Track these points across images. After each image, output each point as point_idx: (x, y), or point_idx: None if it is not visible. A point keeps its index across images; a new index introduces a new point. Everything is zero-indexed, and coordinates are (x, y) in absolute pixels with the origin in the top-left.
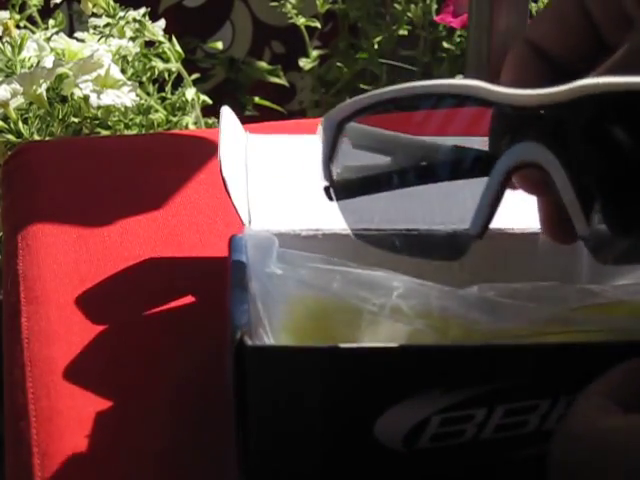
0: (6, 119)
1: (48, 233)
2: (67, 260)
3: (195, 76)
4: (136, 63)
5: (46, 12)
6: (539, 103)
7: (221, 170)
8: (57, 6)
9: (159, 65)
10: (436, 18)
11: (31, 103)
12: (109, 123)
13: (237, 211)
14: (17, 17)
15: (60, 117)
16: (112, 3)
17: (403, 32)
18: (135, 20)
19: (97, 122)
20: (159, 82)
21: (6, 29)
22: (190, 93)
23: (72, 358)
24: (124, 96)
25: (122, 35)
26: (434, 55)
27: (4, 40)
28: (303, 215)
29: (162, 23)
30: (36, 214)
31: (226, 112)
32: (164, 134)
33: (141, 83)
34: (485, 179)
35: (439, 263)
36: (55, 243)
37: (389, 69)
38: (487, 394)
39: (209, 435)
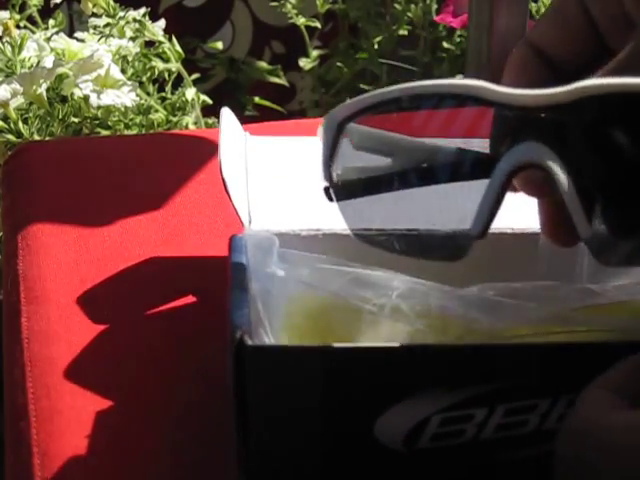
0: (6, 119)
1: (48, 233)
2: (67, 260)
3: (195, 76)
4: (136, 63)
5: (46, 12)
6: (541, 104)
7: (221, 171)
8: (57, 6)
9: (159, 65)
10: (436, 18)
11: (31, 103)
12: (109, 123)
13: (237, 212)
14: (17, 17)
15: (60, 117)
16: (112, 3)
17: (403, 32)
18: (135, 20)
19: (97, 122)
20: (159, 82)
21: (6, 29)
22: (190, 93)
23: (72, 358)
24: (124, 96)
25: (122, 35)
26: (434, 55)
27: (4, 40)
28: (303, 215)
29: (162, 23)
30: (36, 214)
31: (226, 113)
32: (164, 134)
33: (141, 83)
34: (486, 181)
35: (439, 263)
36: (55, 243)
37: (389, 69)
38: (487, 394)
39: (209, 435)
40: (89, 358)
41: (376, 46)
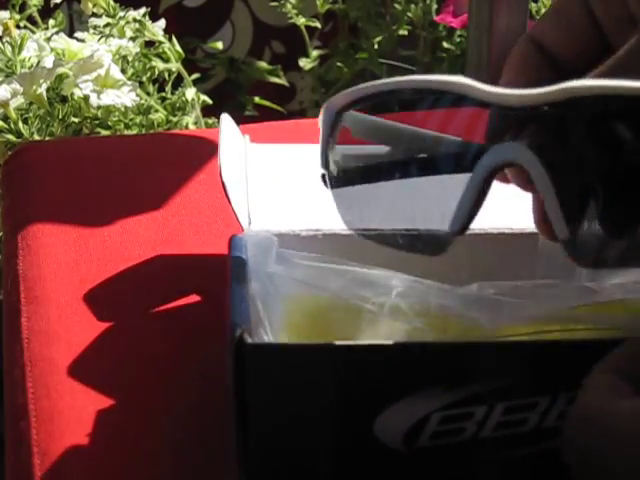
0: (6, 119)
1: (48, 233)
2: (67, 260)
3: (195, 76)
4: (136, 63)
5: (46, 12)
6: (525, 104)
7: (221, 175)
8: (57, 6)
9: (159, 65)
10: (436, 18)
11: (31, 103)
12: (109, 123)
13: (236, 216)
14: (17, 17)
15: (60, 117)
16: (112, 3)
17: (403, 32)
18: (135, 20)
19: (97, 122)
20: (159, 82)
21: (6, 29)
22: (190, 93)
23: (72, 358)
24: (124, 96)
25: (122, 35)
26: (434, 55)
27: (4, 40)
28: (302, 217)
29: (162, 23)
30: (36, 214)
31: (226, 119)
32: (164, 134)
33: (141, 83)
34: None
35: (439, 263)
36: (55, 243)
37: (389, 69)
38: (487, 392)
39: (209, 435)
40: (89, 358)
41: (376, 46)
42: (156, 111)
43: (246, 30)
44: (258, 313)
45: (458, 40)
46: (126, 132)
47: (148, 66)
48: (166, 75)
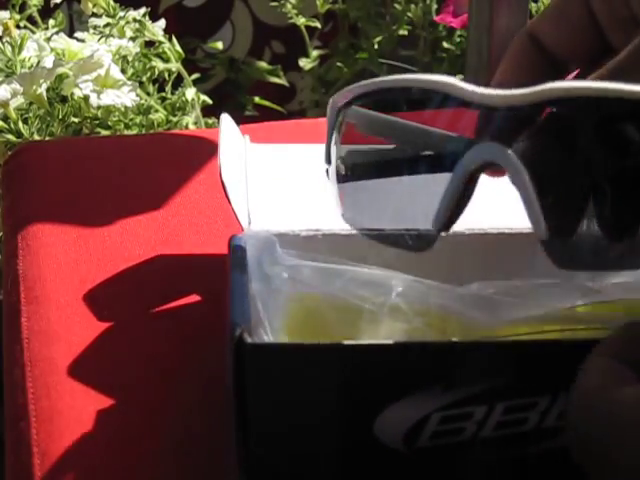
0: (6, 119)
1: (48, 233)
2: (67, 260)
3: (195, 76)
4: (136, 63)
5: (46, 12)
6: (506, 104)
7: (221, 176)
8: (57, 6)
9: (159, 65)
10: (436, 18)
11: (31, 103)
12: (109, 123)
13: (236, 216)
14: (17, 17)
15: (60, 117)
16: (112, 3)
17: (403, 32)
18: (135, 20)
19: (97, 122)
20: (159, 82)
21: (6, 29)
22: (190, 93)
23: (72, 358)
24: (124, 96)
25: (122, 35)
26: (434, 55)
27: (4, 40)
28: (302, 218)
29: (162, 23)
30: (36, 214)
31: (225, 119)
32: (164, 134)
33: (141, 83)
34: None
35: (439, 263)
36: (55, 243)
37: (389, 69)
38: (487, 391)
39: (210, 435)
40: (89, 358)
41: (376, 46)
42: (156, 111)
43: (246, 30)
44: (258, 313)
45: (458, 40)
46: (126, 132)
47: (148, 66)
48: (166, 75)
